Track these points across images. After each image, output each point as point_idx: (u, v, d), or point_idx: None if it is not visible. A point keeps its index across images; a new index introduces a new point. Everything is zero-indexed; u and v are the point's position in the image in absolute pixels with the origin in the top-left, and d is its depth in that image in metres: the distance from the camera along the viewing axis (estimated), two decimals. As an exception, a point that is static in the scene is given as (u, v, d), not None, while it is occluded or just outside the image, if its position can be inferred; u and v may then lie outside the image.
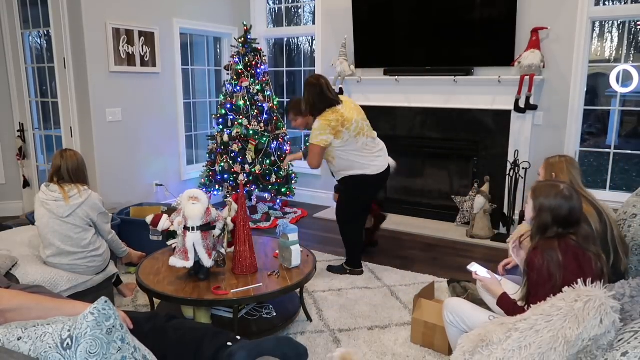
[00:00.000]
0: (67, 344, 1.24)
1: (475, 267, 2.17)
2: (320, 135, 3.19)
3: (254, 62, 4.84)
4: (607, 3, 4.33)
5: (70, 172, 2.75)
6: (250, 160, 4.70)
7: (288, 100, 3.79)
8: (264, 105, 4.82)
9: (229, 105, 4.84)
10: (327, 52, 5.32)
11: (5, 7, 4.61)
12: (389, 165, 3.50)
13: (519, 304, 1.94)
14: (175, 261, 2.60)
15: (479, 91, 4.47)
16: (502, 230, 4.51)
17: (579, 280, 1.65)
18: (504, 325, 1.64)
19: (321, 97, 3.23)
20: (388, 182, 5.27)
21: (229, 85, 4.92)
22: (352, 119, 3.23)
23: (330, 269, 3.65)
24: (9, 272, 2.58)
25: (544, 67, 4.14)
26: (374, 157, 3.36)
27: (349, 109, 3.28)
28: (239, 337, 1.79)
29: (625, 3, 4.19)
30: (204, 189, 4.90)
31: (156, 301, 2.79)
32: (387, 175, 3.51)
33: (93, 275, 2.85)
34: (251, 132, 4.68)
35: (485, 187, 4.50)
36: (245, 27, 4.90)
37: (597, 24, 4.33)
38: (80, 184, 2.78)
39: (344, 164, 3.34)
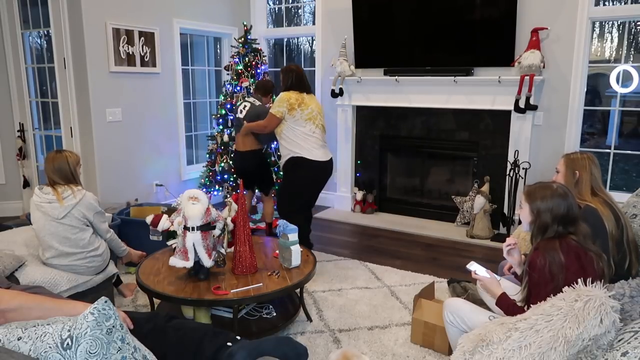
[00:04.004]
0: (67, 344, 1.24)
1: (474, 267, 2.16)
2: (277, 107, 3.58)
3: (254, 62, 4.85)
4: (607, 3, 4.33)
5: (58, 173, 2.73)
6: (250, 160, 4.69)
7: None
8: (264, 105, 4.82)
9: (229, 106, 4.84)
10: (327, 52, 5.32)
11: (5, 7, 4.61)
12: (330, 160, 3.72)
13: (519, 304, 1.93)
14: (175, 261, 2.60)
15: (479, 91, 4.47)
16: (502, 230, 4.51)
17: (579, 280, 1.65)
18: (504, 325, 1.64)
19: (298, 80, 3.65)
20: (388, 182, 5.32)
21: (229, 86, 4.92)
22: (309, 105, 3.61)
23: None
24: (12, 273, 2.58)
25: (544, 67, 4.14)
26: (317, 146, 3.63)
27: (312, 99, 3.69)
28: (239, 337, 1.79)
29: (625, 3, 4.19)
30: (204, 189, 4.90)
31: (156, 301, 2.79)
32: (328, 170, 3.72)
33: (93, 275, 2.85)
34: (251, 132, 4.67)
35: (485, 187, 4.50)
36: (245, 27, 4.90)
37: (597, 24, 4.33)
38: (73, 185, 2.76)
39: (289, 143, 3.61)
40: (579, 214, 1.94)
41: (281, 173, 4.75)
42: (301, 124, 3.58)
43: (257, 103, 4.13)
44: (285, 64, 6.14)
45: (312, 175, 3.66)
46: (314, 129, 3.61)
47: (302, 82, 3.67)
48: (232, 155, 4.68)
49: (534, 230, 1.96)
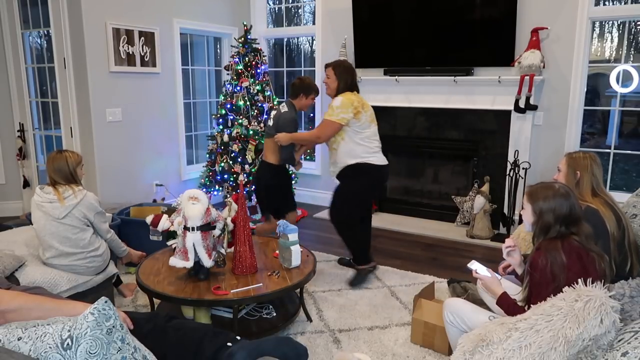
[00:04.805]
0: (67, 344, 1.24)
1: (475, 266, 2.15)
2: (341, 113, 3.16)
3: (254, 62, 4.84)
4: (607, 3, 4.33)
5: (58, 173, 2.74)
6: (250, 161, 4.70)
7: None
8: (264, 105, 4.82)
9: (229, 106, 4.84)
10: (327, 52, 5.32)
11: (5, 7, 4.61)
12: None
13: (520, 303, 1.93)
14: (175, 261, 2.59)
15: (479, 91, 4.47)
16: (502, 230, 4.51)
17: (579, 280, 1.65)
18: (504, 325, 1.64)
19: (354, 78, 3.33)
20: (388, 182, 5.31)
21: (229, 85, 4.92)
22: (369, 105, 3.31)
23: (355, 282, 3.41)
24: (12, 273, 2.58)
25: (544, 67, 4.14)
26: (378, 149, 3.36)
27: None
28: (239, 337, 1.79)
29: (625, 3, 4.19)
30: (204, 189, 4.90)
31: (156, 301, 2.79)
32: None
33: (93, 275, 2.85)
34: (251, 132, 4.68)
35: (485, 187, 4.50)
36: (245, 27, 4.90)
37: (597, 24, 4.32)
38: (74, 185, 2.77)
39: (351, 150, 3.27)
40: (581, 213, 1.94)
41: (296, 170, 4.21)
42: (366, 127, 3.26)
43: (284, 109, 3.62)
44: (285, 64, 6.18)
45: (376, 181, 3.40)
46: (375, 131, 3.35)
47: (355, 80, 3.36)
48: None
49: (536, 231, 1.95)
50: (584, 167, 2.34)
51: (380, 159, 3.33)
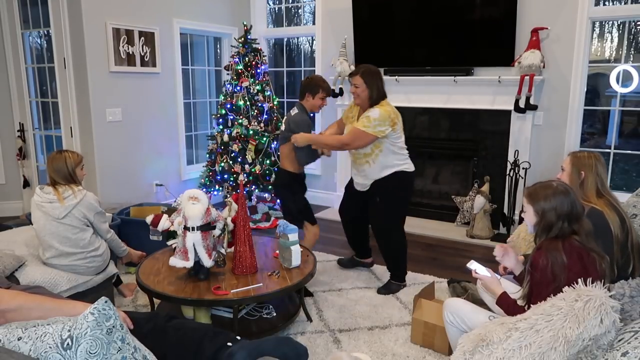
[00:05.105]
0: (67, 344, 1.24)
1: (474, 266, 2.14)
2: (378, 126, 3.01)
3: (254, 62, 4.84)
4: (607, 3, 4.33)
5: (57, 173, 2.74)
6: (250, 160, 4.70)
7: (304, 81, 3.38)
8: (264, 105, 4.82)
9: (229, 105, 4.83)
10: (327, 52, 5.32)
11: (5, 7, 4.60)
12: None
13: (520, 302, 1.93)
14: (175, 261, 2.60)
15: (479, 91, 4.47)
16: (502, 230, 4.51)
17: (579, 280, 1.65)
18: (504, 325, 1.64)
19: (383, 84, 3.16)
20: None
21: (229, 85, 4.91)
22: (398, 112, 3.18)
23: (382, 291, 3.30)
24: (12, 273, 2.58)
25: (544, 67, 4.14)
26: (408, 155, 3.29)
27: None
28: (239, 337, 1.79)
29: (625, 3, 4.19)
30: (204, 189, 4.90)
31: (156, 301, 2.79)
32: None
33: (93, 275, 2.85)
34: (251, 132, 4.68)
35: (485, 187, 4.50)
36: (245, 27, 4.89)
37: (597, 24, 4.32)
38: (74, 185, 2.77)
39: (390, 160, 3.16)
40: (582, 209, 1.93)
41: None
42: (400, 135, 3.17)
43: (294, 112, 3.34)
44: (285, 64, 6.17)
45: (412, 187, 3.34)
46: (404, 139, 3.25)
47: (383, 84, 3.17)
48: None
49: (538, 230, 1.93)
50: (589, 167, 2.29)
51: (412, 165, 3.27)
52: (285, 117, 3.46)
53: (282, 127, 3.43)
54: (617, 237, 2.15)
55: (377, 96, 3.10)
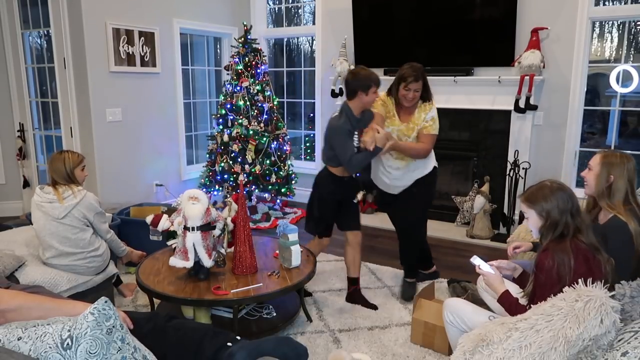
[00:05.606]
0: (67, 344, 1.24)
1: (478, 261, 2.11)
2: (437, 126, 3.06)
3: (254, 62, 4.84)
4: (607, 3, 4.33)
5: (56, 173, 2.75)
6: (250, 160, 4.70)
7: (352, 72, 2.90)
8: (264, 105, 4.82)
9: (229, 105, 4.83)
10: (327, 52, 5.32)
11: (5, 7, 4.61)
12: None
13: (522, 300, 1.92)
14: (175, 261, 2.60)
15: (479, 91, 4.47)
16: (502, 230, 4.50)
17: (579, 280, 1.65)
18: (505, 325, 1.64)
19: None
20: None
21: (229, 85, 4.91)
22: None
23: (406, 294, 3.22)
24: (12, 273, 2.58)
25: (544, 67, 4.14)
26: None
27: None
28: (239, 337, 1.79)
29: (625, 3, 4.19)
30: (204, 189, 4.90)
31: (156, 301, 2.79)
32: None
33: (93, 275, 2.85)
34: (251, 132, 4.68)
35: (485, 187, 4.50)
36: (245, 27, 4.89)
37: (597, 24, 4.32)
38: (74, 185, 2.77)
39: (430, 157, 3.19)
40: (578, 201, 1.91)
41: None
42: None
43: (335, 114, 2.95)
44: (285, 64, 6.17)
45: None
46: None
47: None
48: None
49: (543, 231, 1.91)
50: (620, 173, 2.11)
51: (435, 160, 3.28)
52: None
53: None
54: (637, 250, 2.01)
55: (426, 94, 3.05)
